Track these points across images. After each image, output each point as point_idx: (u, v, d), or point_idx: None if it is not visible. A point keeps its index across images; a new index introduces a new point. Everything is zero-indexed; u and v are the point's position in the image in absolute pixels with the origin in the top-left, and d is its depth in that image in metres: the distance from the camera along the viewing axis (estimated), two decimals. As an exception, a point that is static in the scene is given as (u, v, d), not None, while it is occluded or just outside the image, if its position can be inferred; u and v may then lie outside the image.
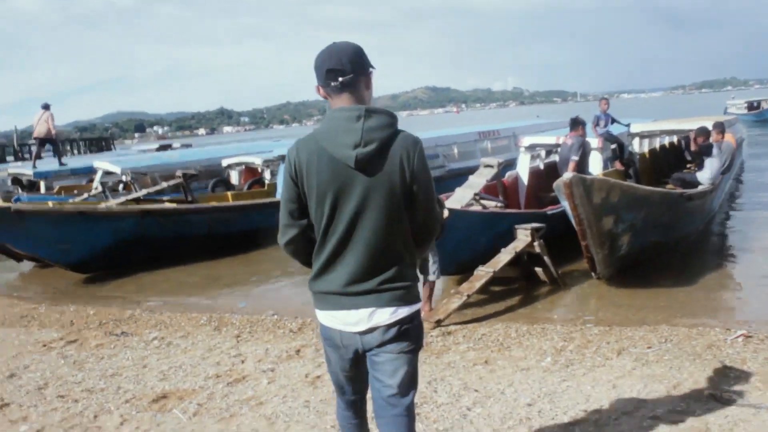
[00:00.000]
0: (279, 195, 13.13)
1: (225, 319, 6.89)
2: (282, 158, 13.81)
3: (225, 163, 15.40)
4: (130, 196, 12.41)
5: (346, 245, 2.42)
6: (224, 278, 9.43)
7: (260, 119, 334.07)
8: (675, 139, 14.82)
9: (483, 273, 6.74)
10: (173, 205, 11.62)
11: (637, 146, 12.30)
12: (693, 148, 9.60)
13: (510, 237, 7.28)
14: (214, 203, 12.36)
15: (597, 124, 12.42)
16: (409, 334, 2.51)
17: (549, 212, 8.80)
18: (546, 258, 7.27)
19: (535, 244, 7.18)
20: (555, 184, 7.00)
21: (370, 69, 2.49)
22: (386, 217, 2.39)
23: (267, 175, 14.79)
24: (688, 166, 14.21)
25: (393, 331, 2.46)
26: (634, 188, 6.84)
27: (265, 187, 14.17)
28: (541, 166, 12.36)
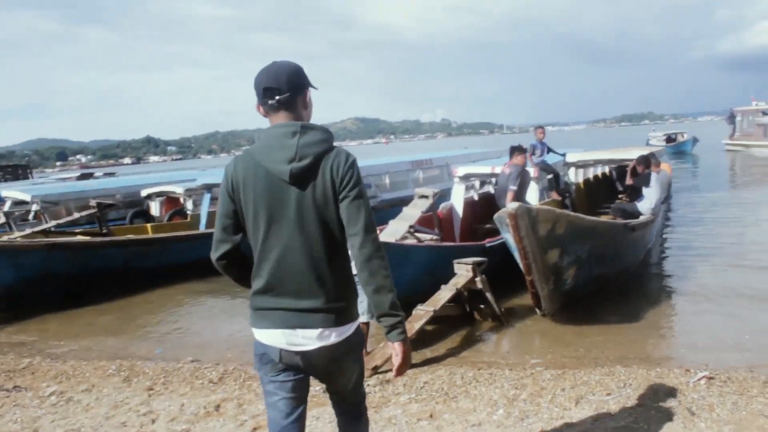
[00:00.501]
0: (202, 227, 12.71)
1: (137, 368, 6.12)
2: (206, 187, 13.11)
3: (145, 192, 14.54)
4: (37, 228, 11.40)
5: (284, 261, 2.41)
6: (140, 319, 8.59)
7: (188, 148, 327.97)
8: (607, 169, 14.89)
9: (422, 312, 6.23)
10: (85, 238, 10.70)
11: (573, 176, 12.15)
12: (629, 178, 9.45)
13: (448, 272, 6.82)
14: (130, 236, 11.44)
15: (533, 153, 12.23)
16: (354, 349, 2.57)
17: (488, 245, 8.43)
18: (488, 294, 6.83)
19: (477, 279, 6.74)
20: (497, 216, 6.60)
21: (309, 88, 2.52)
22: (322, 231, 2.40)
23: (189, 205, 13.97)
24: (620, 196, 14.26)
25: (338, 348, 2.47)
26: (581, 219, 6.52)
27: (188, 219, 13.38)
28: (476, 197, 12.08)
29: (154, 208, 14.88)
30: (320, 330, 2.41)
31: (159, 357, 6.68)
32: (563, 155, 12.58)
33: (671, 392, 4.56)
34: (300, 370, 2.52)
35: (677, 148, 40.32)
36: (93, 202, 11.77)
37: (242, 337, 7.19)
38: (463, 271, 6.75)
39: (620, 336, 6.41)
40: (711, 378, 4.78)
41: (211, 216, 12.89)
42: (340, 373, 2.58)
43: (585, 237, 6.65)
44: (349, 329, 2.49)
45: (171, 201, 14.89)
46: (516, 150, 9.22)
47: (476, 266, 6.74)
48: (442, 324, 6.79)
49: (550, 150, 12.61)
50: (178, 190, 14.09)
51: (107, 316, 8.75)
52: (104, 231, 11.61)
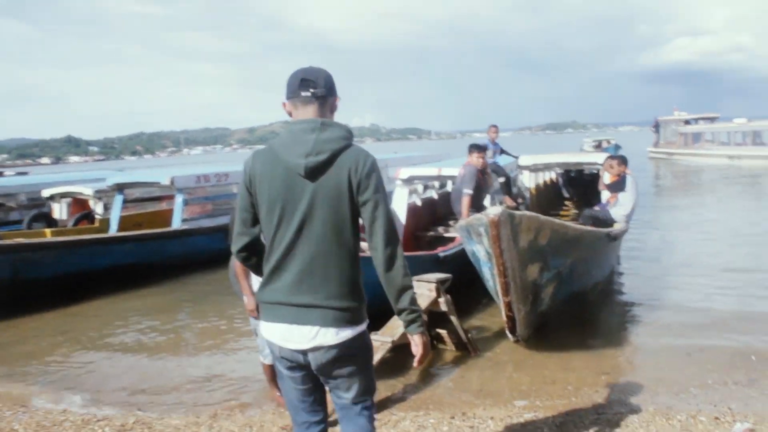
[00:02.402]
0: (112, 232, 11.19)
1: (4, 422, 4.67)
2: (117, 188, 11.60)
3: (47, 193, 12.81)
4: None
5: (292, 254, 2.42)
6: (24, 343, 7.03)
7: (111, 149, 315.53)
8: (554, 174, 14.12)
9: (378, 344, 5.05)
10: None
11: (527, 180, 11.23)
12: (602, 182, 8.52)
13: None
14: (20, 240, 9.74)
15: (483, 154, 11.23)
16: (357, 357, 2.50)
17: (441, 255, 7.34)
18: (454, 318, 5.70)
19: (441, 300, 5.61)
20: (465, 223, 5.51)
21: (336, 96, 2.55)
22: (332, 227, 2.40)
23: (99, 208, 12.37)
24: (566, 203, 13.49)
25: (337, 352, 2.42)
26: (565, 228, 5.47)
27: (96, 223, 11.77)
28: (419, 202, 11.05)
29: (58, 210, 13.18)
30: (316, 328, 2.40)
31: (40, 397, 5.25)
32: (516, 157, 11.65)
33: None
34: (302, 366, 2.49)
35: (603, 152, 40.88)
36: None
37: (153, 372, 5.84)
38: (424, 290, 5.60)
39: (609, 365, 5.41)
40: (752, 431, 3.79)
41: (123, 220, 11.41)
42: (338, 375, 2.50)
43: (569, 249, 5.62)
44: (350, 332, 2.44)
45: (78, 203, 13.24)
46: (473, 148, 8.16)
47: (440, 284, 5.61)
48: (398, 354, 5.57)
49: (503, 151, 11.65)
50: (86, 191, 12.49)
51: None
52: (-9, 236, 9.94)
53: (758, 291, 7.44)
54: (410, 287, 2.46)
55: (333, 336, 2.40)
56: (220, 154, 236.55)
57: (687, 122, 42.09)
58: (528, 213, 5.02)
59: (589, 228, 6.21)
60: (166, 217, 11.62)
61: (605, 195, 9.23)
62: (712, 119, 42.37)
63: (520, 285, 5.21)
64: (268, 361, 4.74)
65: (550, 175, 13.74)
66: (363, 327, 2.51)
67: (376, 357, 4.93)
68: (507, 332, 5.66)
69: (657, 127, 45.21)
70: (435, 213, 11.40)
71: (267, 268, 2.49)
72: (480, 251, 5.48)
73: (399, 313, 2.50)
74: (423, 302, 5.51)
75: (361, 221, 2.46)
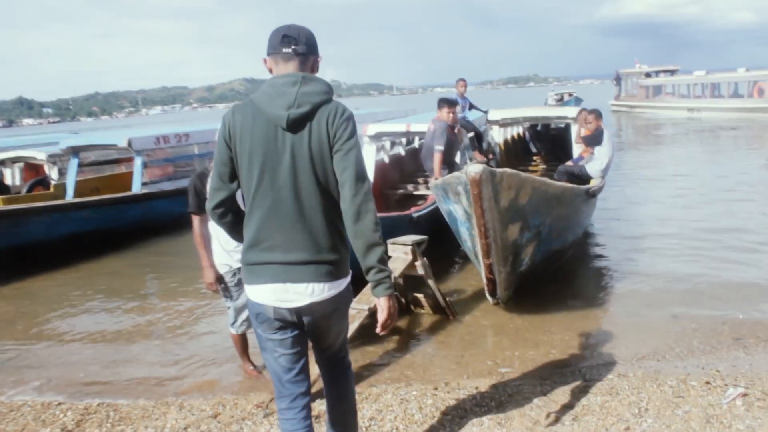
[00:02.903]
0: (69, 198, 10.68)
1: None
2: (72, 151, 11.06)
3: (-4, 157, 12.16)
4: None
5: (277, 209, 2.40)
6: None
7: (66, 110, 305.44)
8: (521, 129, 13.90)
9: (354, 312, 4.80)
10: None
11: (497, 136, 10.99)
12: (577, 135, 8.32)
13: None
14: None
15: (452, 109, 10.94)
16: (344, 305, 2.59)
17: (414, 215, 7.11)
18: (431, 282, 5.49)
19: (418, 264, 5.38)
20: (440, 182, 5.27)
21: (318, 55, 2.52)
22: (315, 181, 2.38)
23: (54, 174, 11.79)
24: (534, 158, 13.32)
25: (330, 305, 2.47)
26: (546, 185, 5.23)
27: (51, 189, 11.23)
28: (386, 159, 10.76)
29: (10, 176, 12.55)
30: (311, 284, 2.40)
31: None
32: (485, 112, 11.38)
33: (708, 420, 3.40)
34: (295, 326, 2.51)
35: (564, 105, 40.95)
36: None
37: (117, 350, 5.53)
38: (399, 253, 5.36)
39: (591, 327, 5.27)
40: (745, 395, 3.68)
41: (80, 185, 10.90)
42: (329, 329, 2.60)
43: (549, 207, 5.41)
44: (340, 284, 2.48)
45: (31, 168, 12.64)
46: (443, 102, 7.86)
47: (416, 247, 5.38)
48: (374, 321, 5.36)
49: (472, 106, 11.36)
50: (39, 155, 11.89)
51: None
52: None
53: (738, 251, 7.31)
54: (380, 244, 2.39)
55: (327, 290, 2.43)
56: (179, 113, 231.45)
57: (648, 75, 42.40)
58: (508, 170, 4.77)
59: (569, 185, 6.01)
60: (125, 181, 11.12)
61: (577, 149, 9.07)
62: (672, 72, 42.70)
63: (500, 246, 5.00)
64: (240, 331, 4.50)
65: (518, 130, 13.52)
66: (349, 278, 2.55)
67: (353, 326, 4.70)
68: (487, 295, 5.47)
69: (618, 80, 45.45)
70: (403, 170, 11.13)
71: (249, 226, 2.45)
72: (457, 211, 5.24)
73: (367, 272, 2.42)
74: (399, 266, 5.29)
75: None
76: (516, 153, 12.69)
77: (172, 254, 9.02)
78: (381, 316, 2.45)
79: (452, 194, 5.07)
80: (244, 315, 4.41)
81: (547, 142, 13.57)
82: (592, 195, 6.67)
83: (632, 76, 43.95)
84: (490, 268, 5.09)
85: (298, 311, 2.43)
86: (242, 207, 2.52)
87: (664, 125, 28.56)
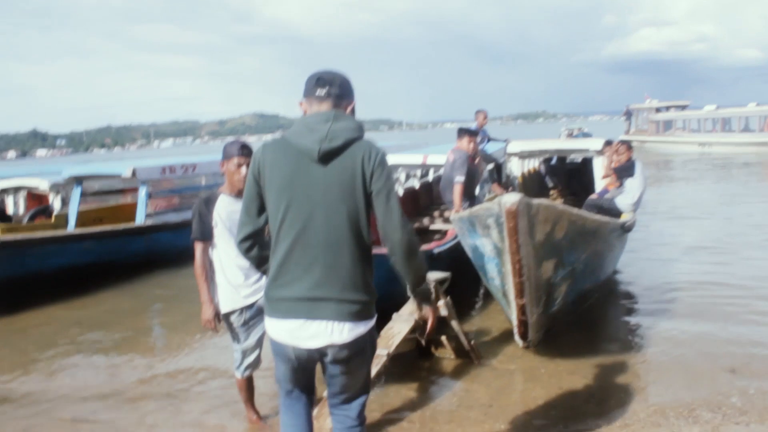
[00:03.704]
0: (71, 228, 10.28)
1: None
2: (76, 181, 10.71)
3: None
4: None
5: (302, 244, 2.36)
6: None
7: (79, 142, 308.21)
8: (537, 163, 13.50)
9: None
10: None
11: (516, 168, 10.57)
12: (607, 167, 7.86)
13: (395, 287, 4.97)
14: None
15: (471, 141, 10.54)
16: (366, 352, 2.51)
17: (435, 251, 6.65)
18: (455, 323, 5.01)
19: (441, 303, 4.91)
20: (471, 212, 4.82)
21: (353, 100, 2.55)
22: (346, 215, 2.36)
23: (57, 203, 11.41)
24: (551, 193, 12.88)
25: (350, 349, 2.40)
26: (583, 218, 4.78)
27: (53, 219, 10.84)
28: (401, 192, 10.37)
29: (12, 205, 12.20)
30: (332, 323, 2.35)
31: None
32: (505, 143, 10.99)
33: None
34: (309, 364, 2.50)
35: None
36: None
37: (111, 393, 5.07)
38: (421, 292, 4.90)
39: (633, 375, 4.76)
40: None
41: (82, 215, 10.52)
42: (347, 375, 2.50)
43: (584, 242, 4.96)
44: (363, 326, 2.42)
45: (35, 198, 12.28)
46: (463, 132, 7.47)
47: (438, 285, 4.91)
48: (393, 366, 4.85)
49: (490, 138, 10.98)
50: (42, 184, 11.51)
51: None
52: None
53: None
54: (425, 269, 2.58)
55: (348, 330, 2.37)
56: (191, 146, 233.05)
57: (658, 110, 42.33)
58: (545, 201, 4.33)
59: (606, 218, 5.55)
60: (128, 211, 10.74)
61: (600, 183, 8.63)
62: (682, 107, 42.60)
63: (534, 284, 4.53)
64: (246, 375, 4.04)
65: (534, 164, 13.14)
66: (373, 322, 2.49)
67: (372, 372, 4.22)
68: (517, 338, 4.97)
69: (629, 115, 45.35)
70: (418, 204, 10.75)
71: (273, 259, 2.43)
72: (485, 246, 4.79)
73: (414, 293, 2.61)
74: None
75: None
76: (533, 186, 12.28)
77: (175, 288, 8.57)
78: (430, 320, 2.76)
79: (480, 227, 4.62)
80: (251, 358, 3.96)
81: (563, 177, 13.18)
82: (627, 230, 6.21)
83: (643, 111, 43.91)
84: (522, 309, 4.60)
85: (321, 352, 2.40)
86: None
87: (675, 160, 28.10)
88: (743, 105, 34.28)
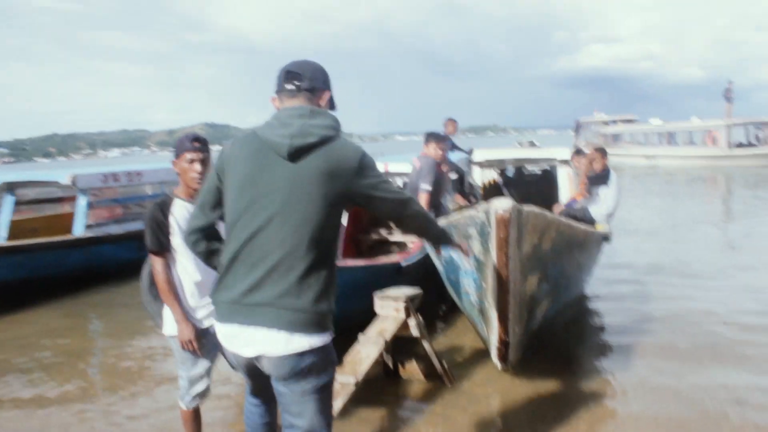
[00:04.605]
0: (1, 240, 9.49)
1: None
2: (7, 188, 9.99)
3: None
4: None
5: (252, 244, 2.18)
6: None
7: (21, 151, 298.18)
8: (495, 174, 13.25)
9: (339, 386, 3.82)
10: None
11: (478, 178, 10.24)
12: (583, 175, 7.54)
13: (360, 302, 4.50)
14: None
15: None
16: (312, 373, 2.19)
17: (403, 263, 6.19)
18: (427, 343, 4.56)
19: (412, 323, 4.45)
20: (451, 221, 4.39)
21: (329, 92, 2.42)
22: (309, 218, 2.17)
23: (-13, 213, 10.55)
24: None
25: (289, 365, 2.14)
26: (571, 228, 4.39)
27: (-26, 234, 9.99)
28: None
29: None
30: (268, 330, 2.12)
31: None
32: (469, 152, 10.65)
33: None
34: (257, 371, 2.31)
35: None
36: None
37: (50, 428, 4.43)
38: (390, 310, 4.43)
39: (620, 397, 4.39)
40: None
41: (15, 226, 9.73)
42: (293, 400, 2.20)
43: (570, 254, 4.58)
44: (305, 340, 2.13)
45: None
46: (430, 137, 7.02)
47: (409, 302, 4.45)
48: (362, 393, 4.34)
49: (454, 146, 10.61)
50: (-31, 193, 10.65)
51: None
52: None
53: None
54: (438, 226, 2.74)
55: (284, 344, 2.14)
56: (139, 156, 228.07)
57: (606, 123, 43.31)
58: (534, 209, 3.92)
59: (590, 229, 5.19)
60: (67, 222, 9.98)
61: (566, 194, 8.35)
62: (629, 121, 43.70)
63: (518, 301, 4.11)
64: (192, 406, 3.49)
65: (492, 175, 12.88)
66: (326, 339, 2.23)
67: (339, 403, 3.74)
68: (496, 360, 4.53)
69: (578, 128, 46.13)
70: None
71: (223, 261, 2.27)
72: (462, 257, 4.35)
73: (435, 245, 2.87)
74: (389, 326, 4.36)
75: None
76: (492, 197, 11.99)
77: (116, 305, 7.88)
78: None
79: (459, 238, 4.18)
80: (199, 387, 3.42)
81: (522, 188, 12.95)
82: (606, 240, 5.87)
83: (592, 124, 44.81)
84: (505, 329, 4.17)
85: (251, 361, 2.24)
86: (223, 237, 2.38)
87: (625, 172, 28.40)
88: (687, 120, 35.32)
